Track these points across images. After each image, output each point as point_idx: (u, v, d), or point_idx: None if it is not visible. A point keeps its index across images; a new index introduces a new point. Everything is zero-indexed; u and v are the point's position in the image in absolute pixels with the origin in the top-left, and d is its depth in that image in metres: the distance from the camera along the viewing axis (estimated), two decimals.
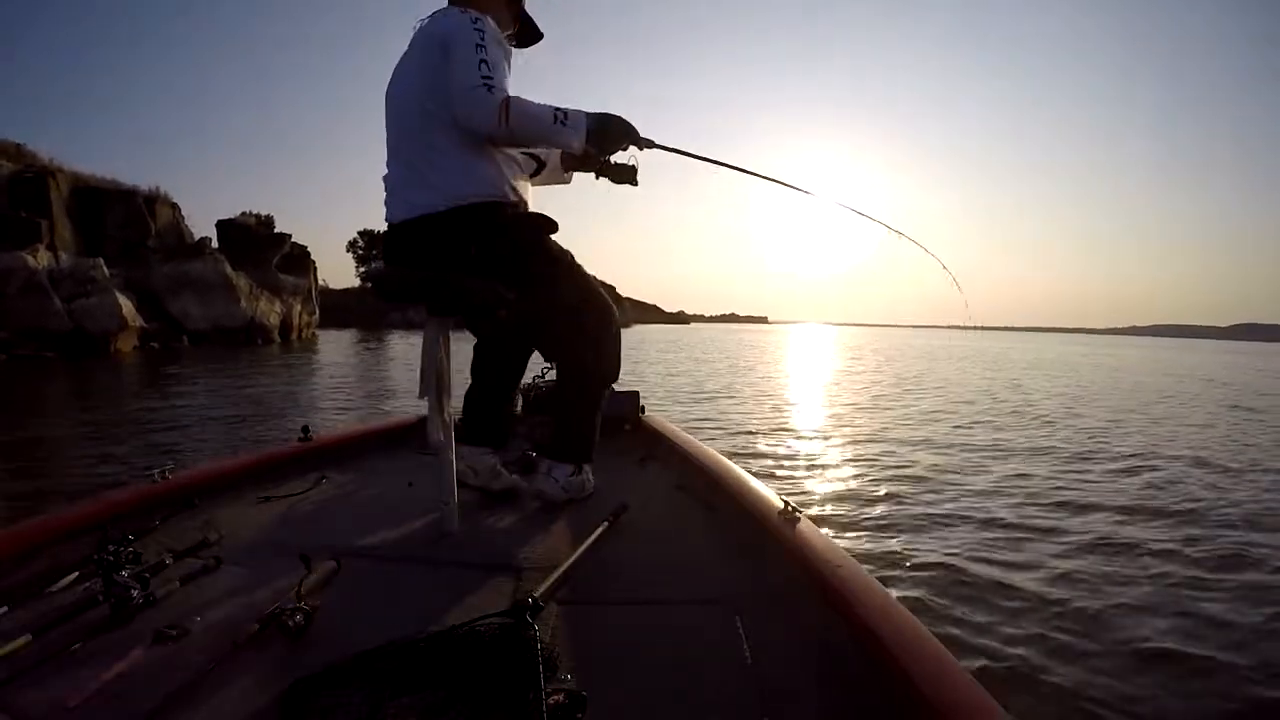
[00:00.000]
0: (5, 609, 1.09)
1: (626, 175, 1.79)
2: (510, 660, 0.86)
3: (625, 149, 1.63)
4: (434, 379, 1.60)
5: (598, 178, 1.83)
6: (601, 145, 1.58)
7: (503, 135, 1.46)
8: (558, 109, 1.47)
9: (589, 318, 1.69)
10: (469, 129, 1.47)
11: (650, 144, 1.64)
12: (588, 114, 1.50)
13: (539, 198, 1.80)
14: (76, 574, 1.21)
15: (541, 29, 1.76)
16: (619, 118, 1.55)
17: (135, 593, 1.11)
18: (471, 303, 1.58)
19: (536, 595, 1.01)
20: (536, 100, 1.47)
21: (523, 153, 1.71)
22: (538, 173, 1.81)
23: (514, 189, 1.61)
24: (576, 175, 1.91)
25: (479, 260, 1.55)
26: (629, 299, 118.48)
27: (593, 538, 1.41)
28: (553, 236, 1.69)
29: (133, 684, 0.91)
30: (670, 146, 1.67)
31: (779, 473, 5.11)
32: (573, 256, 1.72)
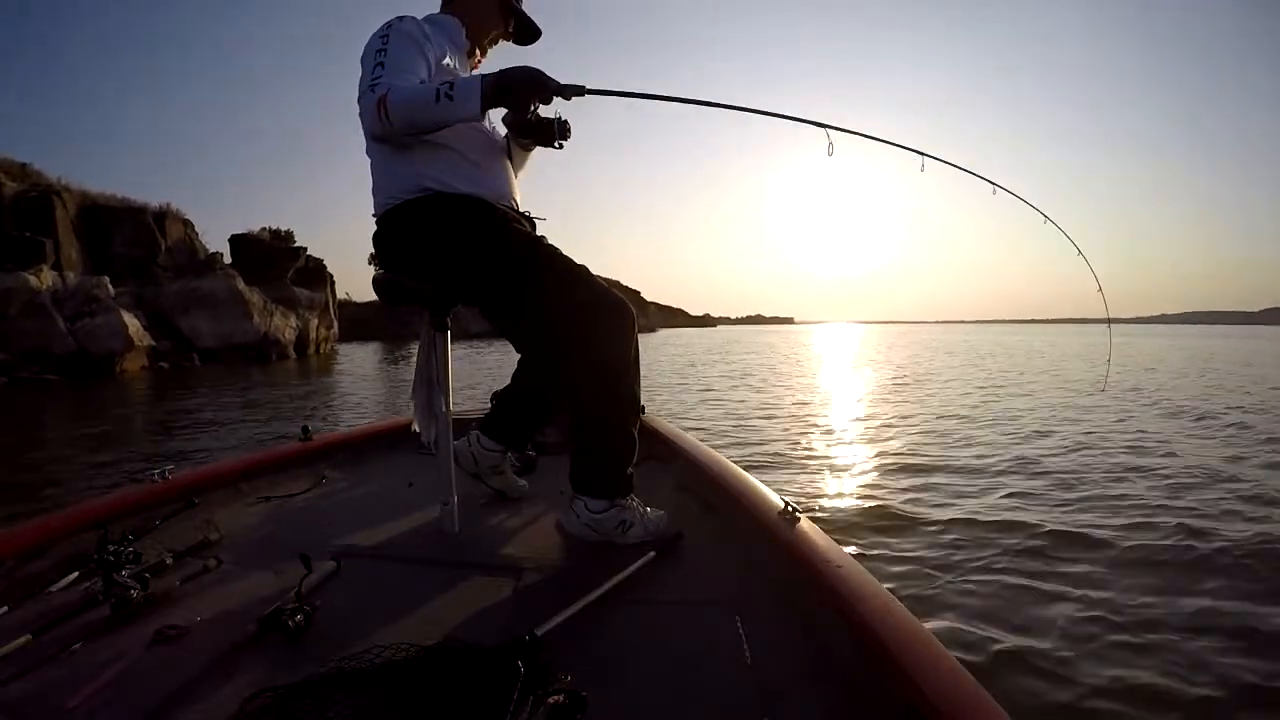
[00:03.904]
0: (5, 609, 1.10)
1: (543, 132, 1.57)
2: (485, 697, 0.82)
3: (545, 102, 1.41)
4: (426, 378, 1.60)
5: (527, 139, 1.64)
6: (510, 104, 1.40)
7: (388, 130, 1.36)
8: (443, 83, 1.33)
9: (592, 316, 1.44)
10: (370, 136, 1.46)
11: (578, 90, 1.38)
12: (485, 75, 1.34)
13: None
14: (76, 574, 1.22)
15: (540, 28, 1.72)
16: (525, 67, 1.34)
17: (135, 593, 1.11)
18: (421, 303, 1.54)
19: (539, 633, 0.97)
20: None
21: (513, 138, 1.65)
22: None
23: (466, 178, 1.50)
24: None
25: (422, 257, 1.50)
26: (654, 303, 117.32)
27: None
28: (522, 228, 1.57)
29: (133, 684, 0.91)
30: (606, 90, 1.43)
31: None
32: (555, 247, 1.53)
